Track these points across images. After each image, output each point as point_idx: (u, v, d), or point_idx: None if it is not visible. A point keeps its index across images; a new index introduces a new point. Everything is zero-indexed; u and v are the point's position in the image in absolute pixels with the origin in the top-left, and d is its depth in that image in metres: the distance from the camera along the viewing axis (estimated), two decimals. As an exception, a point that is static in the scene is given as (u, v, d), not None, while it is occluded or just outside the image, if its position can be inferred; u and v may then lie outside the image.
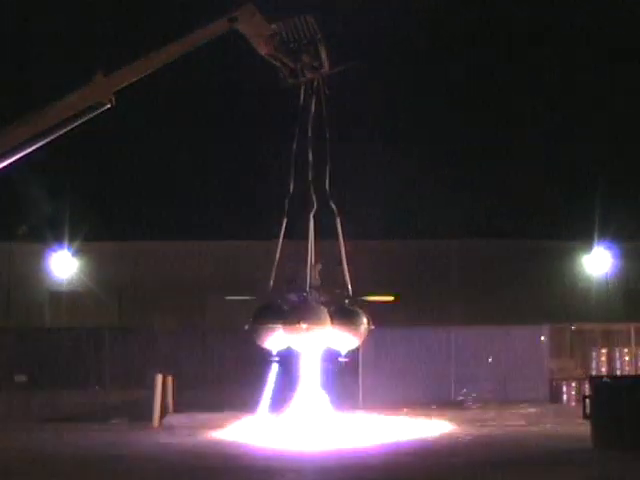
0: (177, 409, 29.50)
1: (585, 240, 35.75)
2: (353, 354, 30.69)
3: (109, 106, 23.03)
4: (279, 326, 24.94)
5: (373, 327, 25.65)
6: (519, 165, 39.43)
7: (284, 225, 25.66)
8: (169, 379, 29.53)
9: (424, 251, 36.15)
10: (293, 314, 24.92)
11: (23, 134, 22.21)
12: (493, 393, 31.08)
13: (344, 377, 29.16)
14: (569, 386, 31.20)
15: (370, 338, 31.05)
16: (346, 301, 25.59)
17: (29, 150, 22.45)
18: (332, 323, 25.00)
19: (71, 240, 34.70)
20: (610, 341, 32.26)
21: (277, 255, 25.51)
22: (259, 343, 25.51)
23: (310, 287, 25.38)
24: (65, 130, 22.76)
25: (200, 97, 39.36)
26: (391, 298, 26.79)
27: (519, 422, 27.51)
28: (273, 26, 25.33)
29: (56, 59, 37.49)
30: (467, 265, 36.00)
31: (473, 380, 31.17)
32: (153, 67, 23.72)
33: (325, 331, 24.93)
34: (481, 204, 37.93)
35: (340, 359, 25.64)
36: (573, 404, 30.18)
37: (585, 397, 22.27)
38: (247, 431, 25.36)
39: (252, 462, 20.27)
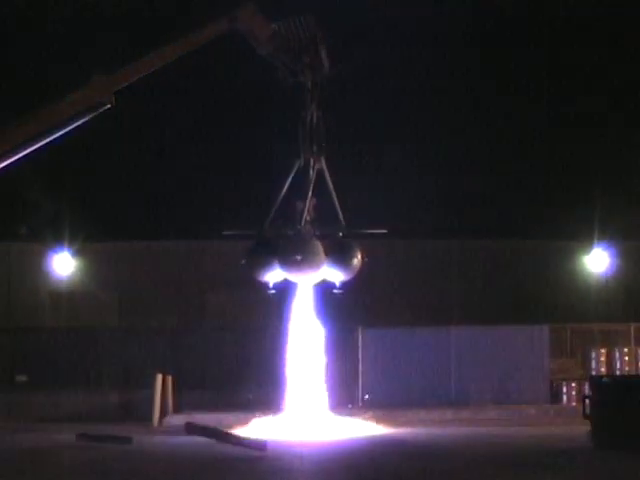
0: (177, 409, 29.51)
1: (585, 240, 35.70)
2: (353, 354, 30.78)
3: (109, 106, 23.04)
4: (274, 259, 25.16)
5: (367, 259, 25.84)
6: (519, 165, 39.39)
7: (296, 167, 25.85)
8: (169, 379, 29.55)
9: (424, 251, 36.12)
10: (287, 247, 25.19)
11: (23, 134, 22.22)
12: (493, 393, 31.07)
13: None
14: (569, 386, 31.20)
15: (370, 338, 31.23)
16: (340, 234, 25.80)
17: (29, 150, 22.46)
18: (326, 256, 25.22)
19: (71, 241, 34.67)
20: (610, 341, 32.28)
21: (282, 192, 25.78)
22: (255, 277, 25.83)
23: (305, 221, 25.64)
24: (65, 130, 22.77)
25: (200, 97, 39.32)
26: (384, 230, 27.15)
27: (519, 422, 27.52)
28: (273, 26, 25.37)
29: (56, 59, 37.44)
30: (467, 265, 35.95)
31: (473, 380, 31.18)
32: (153, 67, 23.76)
33: (319, 264, 25.17)
34: (481, 204, 37.88)
35: (335, 291, 25.92)
36: (573, 404, 30.18)
37: (585, 397, 22.29)
38: (247, 430, 25.38)
39: (252, 461, 20.26)
